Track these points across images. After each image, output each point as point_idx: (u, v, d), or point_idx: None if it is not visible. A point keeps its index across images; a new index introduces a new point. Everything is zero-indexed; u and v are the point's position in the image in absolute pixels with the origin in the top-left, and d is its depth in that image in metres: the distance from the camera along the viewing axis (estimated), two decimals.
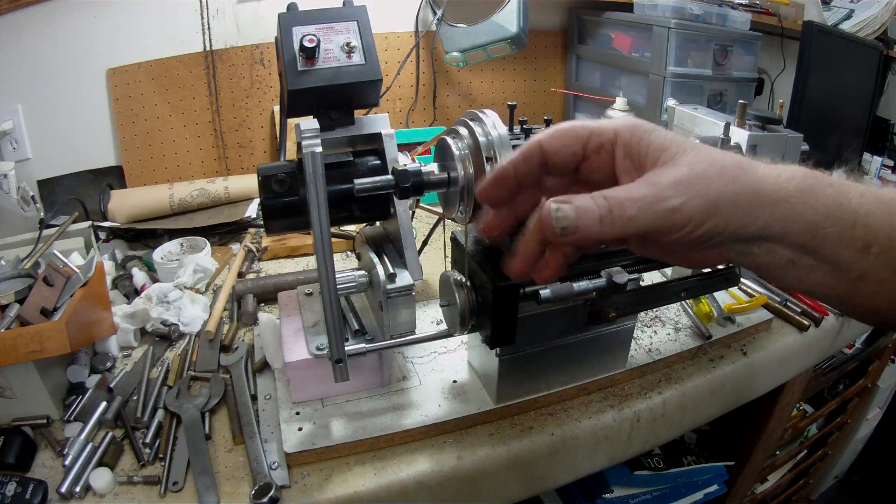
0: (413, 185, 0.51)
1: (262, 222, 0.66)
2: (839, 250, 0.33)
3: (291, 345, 0.64)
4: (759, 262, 0.35)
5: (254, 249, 1.04)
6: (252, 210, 1.11)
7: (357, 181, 0.50)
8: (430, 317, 0.78)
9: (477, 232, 0.39)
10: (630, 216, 0.32)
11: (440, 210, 0.78)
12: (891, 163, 1.56)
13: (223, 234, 1.11)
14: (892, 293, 0.34)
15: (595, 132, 0.36)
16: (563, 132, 0.36)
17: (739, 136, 0.81)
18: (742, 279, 0.69)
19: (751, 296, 0.87)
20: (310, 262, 1.02)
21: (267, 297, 0.88)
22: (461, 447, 0.61)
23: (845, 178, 0.35)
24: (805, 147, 0.84)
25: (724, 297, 0.84)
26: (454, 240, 0.62)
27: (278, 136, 1.27)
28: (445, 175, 0.53)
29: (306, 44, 0.57)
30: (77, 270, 0.72)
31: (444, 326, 0.62)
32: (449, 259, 0.64)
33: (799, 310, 0.88)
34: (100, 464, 0.58)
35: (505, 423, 0.65)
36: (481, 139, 0.50)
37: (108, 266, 0.94)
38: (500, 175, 0.37)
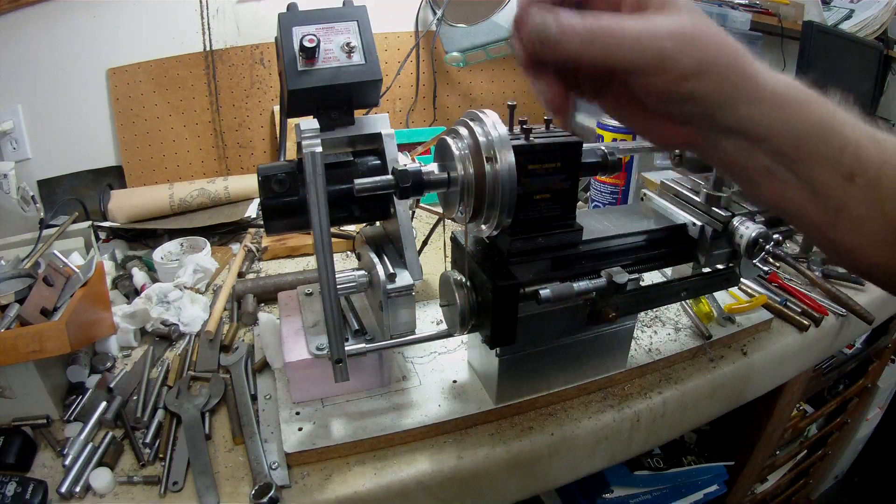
0: (413, 185, 0.51)
1: (262, 222, 0.66)
2: (822, 171, 0.32)
3: (291, 345, 0.64)
4: (732, 160, 0.34)
5: (254, 249, 1.04)
6: (252, 210, 1.11)
7: (357, 181, 0.50)
8: (430, 317, 0.78)
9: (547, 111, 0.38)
10: (616, 45, 0.30)
11: (440, 210, 0.78)
12: None
13: (223, 234, 1.11)
14: (873, 233, 0.32)
15: None
16: None
17: None
18: (742, 279, 0.69)
19: (751, 296, 0.87)
20: (310, 262, 1.02)
21: (267, 297, 0.88)
22: (461, 447, 0.61)
23: (844, 108, 0.33)
24: None
25: (724, 297, 0.84)
26: (454, 240, 0.62)
27: (278, 136, 1.27)
28: (445, 175, 0.53)
29: (306, 44, 0.57)
30: (77, 270, 0.72)
31: (444, 326, 0.62)
32: (449, 259, 0.64)
33: (799, 310, 0.88)
34: (100, 464, 0.58)
35: (505, 423, 0.65)
36: (481, 139, 0.50)
37: (108, 266, 0.94)
38: (522, 8, 0.34)
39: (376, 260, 0.62)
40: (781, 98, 0.31)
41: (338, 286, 0.54)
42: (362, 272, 0.65)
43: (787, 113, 0.31)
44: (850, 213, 0.32)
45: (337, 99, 0.61)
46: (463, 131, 0.53)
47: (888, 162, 0.32)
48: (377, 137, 0.64)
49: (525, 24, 0.31)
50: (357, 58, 0.60)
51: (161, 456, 0.61)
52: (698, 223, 0.63)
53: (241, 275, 0.96)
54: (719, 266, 0.67)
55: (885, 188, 0.32)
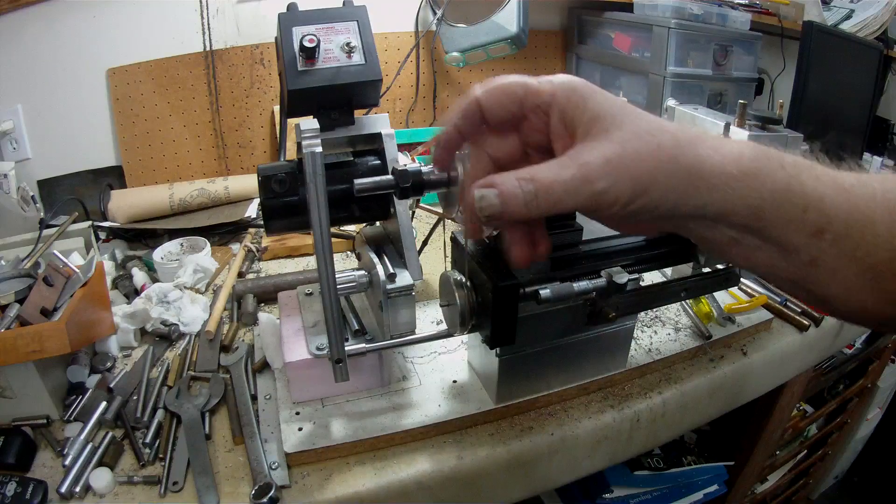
0: (413, 185, 0.51)
1: (262, 222, 0.66)
2: (787, 234, 0.32)
3: (291, 345, 0.64)
4: (699, 237, 0.35)
5: (254, 249, 1.04)
6: (252, 210, 1.11)
7: (357, 181, 0.50)
8: (430, 317, 0.78)
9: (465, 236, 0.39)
10: (556, 199, 0.31)
11: (440, 210, 0.78)
12: (891, 163, 1.56)
13: (223, 234, 1.11)
14: (846, 281, 0.32)
15: (532, 92, 0.34)
16: (499, 90, 0.35)
17: (739, 136, 0.81)
18: (742, 279, 0.69)
19: (751, 296, 0.87)
20: (310, 262, 1.02)
21: (267, 297, 0.88)
22: (461, 447, 0.61)
23: (809, 157, 0.33)
24: (805, 147, 0.84)
25: (724, 297, 0.84)
26: (454, 240, 0.62)
27: (278, 136, 1.27)
28: (445, 175, 0.53)
29: (306, 44, 0.57)
30: (77, 270, 0.72)
31: (444, 326, 0.62)
32: (449, 259, 0.64)
33: (799, 310, 0.88)
34: (100, 464, 0.58)
35: (505, 423, 0.65)
36: None
37: (108, 266, 0.94)
38: (445, 140, 0.37)
39: (376, 260, 0.62)
40: (733, 176, 0.31)
41: (338, 286, 0.54)
42: (362, 272, 0.65)
43: (741, 189, 0.31)
44: (823, 265, 0.32)
45: (337, 99, 0.61)
46: None
47: (856, 208, 0.31)
48: (377, 137, 0.64)
49: (468, 204, 0.32)
50: (357, 58, 0.60)
51: (161, 456, 0.61)
52: None
53: (241, 275, 0.96)
54: (719, 266, 0.67)
55: (856, 236, 0.31)
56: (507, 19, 1.23)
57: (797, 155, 0.33)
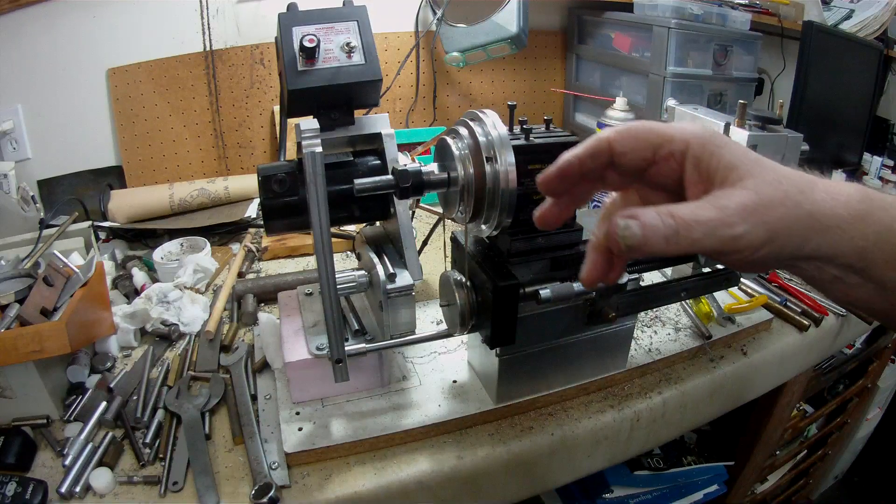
0: (413, 185, 0.51)
1: (262, 222, 0.66)
2: (886, 272, 0.34)
3: (291, 345, 0.64)
4: (805, 275, 0.37)
5: (254, 249, 1.04)
6: (252, 210, 1.11)
7: (357, 181, 0.50)
8: (430, 317, 0.78)
9: (534, 220, 0.40)
10: (695, 238, 0.32)
11: (440, 210, 0.78)
12: (891, 163, 1.56)
13: (223, 234, 1.11)
14: None
15: (667, 140, 0.36)
16: (635, 135, 0.36)
17: (739, 136, 0.81)
18: (742, 279, 0.69)
19: (751, 296, 0.87)
20: (310, 262, 1.02)
21: (267, 297, 0.88)
22: (461, 447, 0.61)
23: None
24: (805, 147, 0.84)
25: (724, 297, 0.84)
26: (454, 240, 0.62)
27: (278, 136, 1.27)
28: (445, 175, 0.53)
29: (306, 44, 0.57)
30: (77, 270, 0.72)
31: (444, 326, 0.62)
32: (449, 259, 0.64)
33: (799, 310, 0.88)
34: (100, 464, 0.58)
35: (505, 423, 0.65)
36: (481, 139, 0.50)
37: (108, 266, 0.94)
38: (564, 168, 0.37)
39: (376, 260, 0.62)
40: (845, 220, 0.34)
41: (338, 286, 0.54)
42: (362, 272, 0.65)
43: (850, 232, 0.34)
44: None
45: (337, 99, 0.61)
46: (463, 131, 0.53)
47: None
48: (377, 137, 0.64)
49: (612, 230, 0.34)
50: (357, 58, 0.60)
51: (161, 456, 0.61)
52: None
53: (241, 275, 0.96)
54: (719, 266, 0.67)
55: None
56: (507, 19, 1.23)
57: (891, 194, 0.36)
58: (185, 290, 0.86)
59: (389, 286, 0.59)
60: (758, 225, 0.32)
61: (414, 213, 0.88)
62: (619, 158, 0.36)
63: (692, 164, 0.35)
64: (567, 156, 0.37)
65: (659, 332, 0.79)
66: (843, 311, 0.90)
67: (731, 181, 0.34)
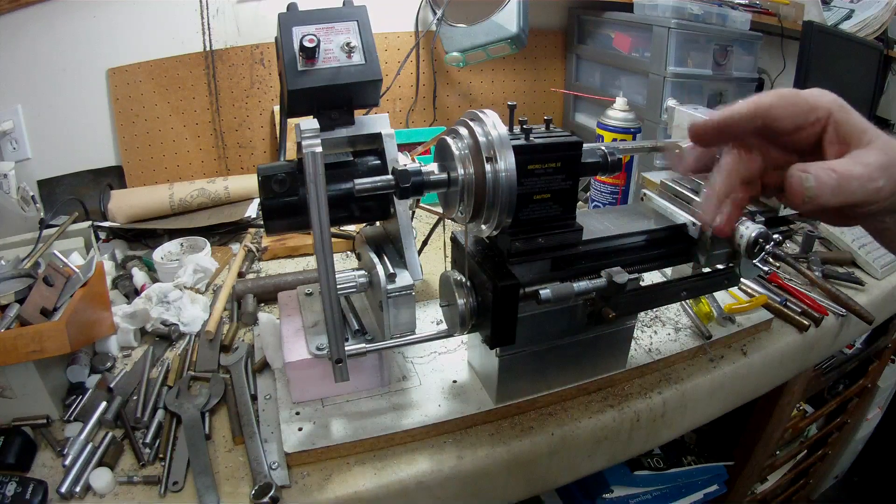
0: (413, 185, 0.51)
1: (262, 222, 0.66)
2: None
3: (291, 345, 0.64)
4: (884, 228, 0.43)
5: (254, 249, 1.04)
6: (252, 210, 1.11)
7: (357, 181, 0.50)
8: (430, 317, 0.78)
9: (680, 169, 0.46)
10: (852, 190, 0.37)
11: (440, 210, 0.78)
12: None
13: (223, 234, 1.11)
14: None
15: (814, 107, 0.40)
16: (790, 102, 0.40)
17: None
18: (742, 279, 0.69)
19: (751, 296, 0.87)
20: (310, 262, 1.02)
21: (267, 297, 0.88)
22: (461, 447, 0.61)
23: None
24: None
25: (724, 297, 0.84)
26: (454, 240, 0.62)
27: (278, 136, 1.27)
28: (445, 175, 0.53)
29: (306, 44, 0.57)
30: (77, 270, 0.72)
31: (444, 326, 0.62)
32: (449, 259, 0.64)
33: (799, 310, 0.88)
34: (100, 464, 0.58)
35: (505, 423, 0.65)
36: (481, 139, 0.50)
37: (108, 266, 0.94)
38: (724, 122, 0.41)
39: (376, 260, 0.62)
40: None
41: (338, 286, 0.54)
42: (362, 272, 0.65)
43: None
44: None
45: (337, 99, 0.61)
46: (463, 131, 0.53)
47: None
48: (377, 137, 0.64)
49: (795, 183, 0.38)
50: (357, 58, 0.60)
51: (161, 456, 0.61)
52: (698, 223, 0.63)
53: (241, 275, 0.96)
54: (719, 266, 0.67)
55: None
56: (507, 19, 1.23)
57: None
58: (185, 290, 0.86)
59: (389, 286, 0.59)
60: (891, 179, 0.38)
61: (414, 213, 0.88)
62: (774, 123, 0.41)
63: (833, 127, 0.40)
64: (728, 111, 0.41)
65: (659, 332, 0.79)
66: (843, 311, 0.90)
67: (864, 142, 0.39)
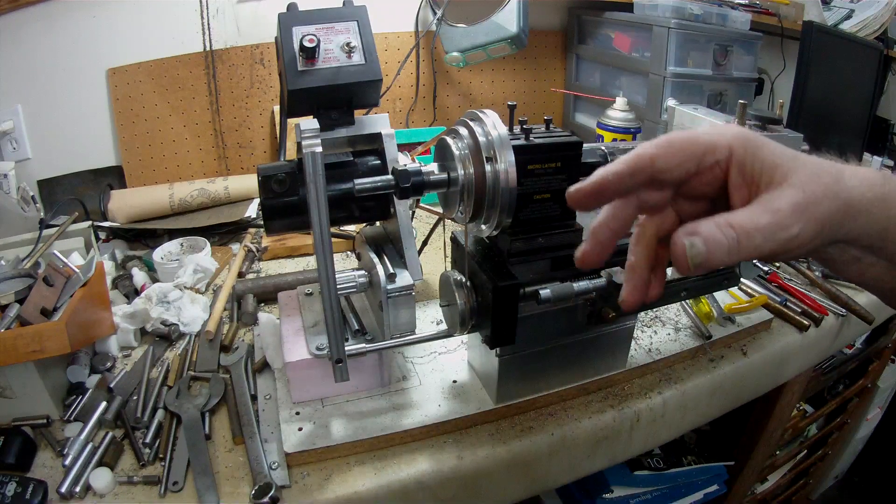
0: (413, 185, 0.51)
1: (262, 222, 0.66)
2: None
3: (291, 345, 0.64)
4: (828, 258, 0.38)
5: (254, 249, 1.04)
6: (252, 210, 1.11)
7: (357, 181, 0.50)
8: (430, 317, 0.78)
9: (576, 263, 0.37)
10: (755, 246, 0.32)
11: (440, 210, 0.78)
12: (891, 163, 1.56)
13: (223, 234, 1.11)
14: None
15: (710, 148, 0.35)
16: (678, 149, 0.35)
17: None
18: (742, 279, 0.69)
19: (751, 296, 0.87)
20: (310, 262, 1.02)
21: (267, 297, 0.88)
22: (461, 447, 0.61)
23: None
24: (805, 147, 0.84)
25: (724, 297, 0.84)
26: (454, 240, 0.62)
27: (278, 136, 1.27)
28: (445, 175, 0.53)
29: (306, 44, 0.57)
30: (77, 270, 0.72)
31: (444, 326, 0.62)
32: (449, 259, 0.64)
33: (799, 310, 0.88)
34: (100, 464, 0.58)
35: (505, 423, 0.65)
36: (481, 139, 0.50)
37: (108, 266, 0.94)
38: (600, 185, 0.35)
39: (376, 260, 0.62)
40: (871, 203, 0.35)
41: (338, 286, 0.54)
42: (362, 272, 0.65)
43: (875, 215, 0.35)
44: None
45: (337, 99, 0.61)
46: (463, 131, 0.53)
47: None
48: (377, 137, 0.64)
49: (679, 251, 0.33)
50: (357, 58, 0.60)
51: (161, 456, 0.61)
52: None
53: (241, 275, 0.96)
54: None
55: None
56: (507, 19, 1.23)
57: None
58: (185, 290, 0.86)
59: (389, 286, 0.59)
60: (809, 222, 0.33)
61: (414, 213, 0.88)
62: (662, 175, 0.35)
63: (737, 169, 0.35)
64: (604, 171, 0.35)
65: (659, 332, 0.79)
66: (843, 311, 0.90)
67: (776, 182, 0.34)
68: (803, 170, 0.34)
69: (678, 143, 0.35)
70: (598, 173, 0.35)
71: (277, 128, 1.29)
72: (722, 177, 0.35)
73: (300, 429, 0.61)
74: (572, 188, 0.36)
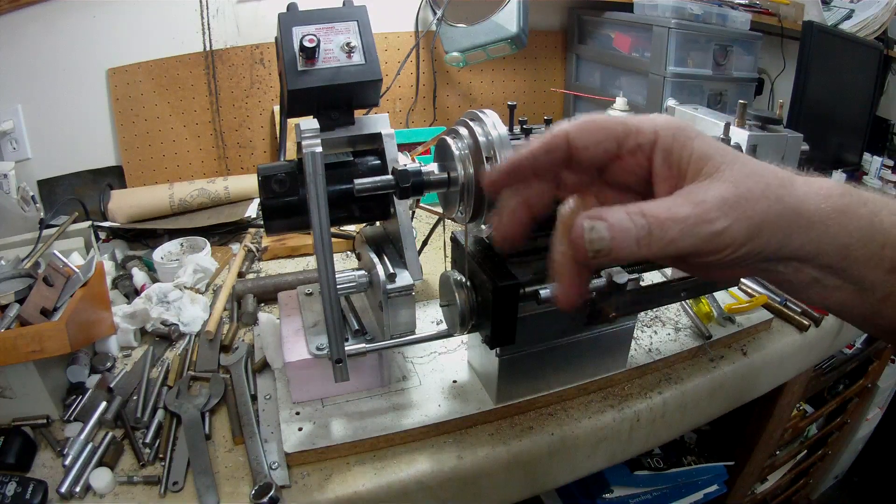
0: (413, 185, 0.51)
1: (262, 222, 0.66)
2: (867, 271, 0.32)
3: (291, 345, 0.64)
4: (782, 279, 0.34)
5: (254, 249, 1.04)
6: (252, 210, 1.11)
7: (357, 181, 0.50)
8: (430, 317, 0.78)
9: (493, 241, 0.34)
10: (671, 238, 0.29)
11: (440, 210, 0.78)
12: (891, 163, 1.56)
13: (223, 234, 1.11)
14: None
15: (633, 131, 0.32)
16: (596, 126, 0.32)
17: (739, 136, 0.81)
18: (742, 279, 0.69)
19: (751, 296, 0.87)
20: (310, 262, 1.02)
21: (267, 297, 0.88)
22: (461, 447, 0.61)
23: (879, 192, 0.34)
24: (805, 147, 0.84)
25: (724, 297, 0.84)
26: (454, 240, 0.62)
27: (278, 136, 1.27)
28: (445, 175, 0.53)
29: (306, 44, 0.57)
30: (77, 270, 0.72)
31: (444, 326, 0.62)
32: (449, 259, 0.64)
33: (799, 310, 0.88)
34: (100, 464, 0.58)
35: (505, 423, 0.65)
36: (481, 139, 0.50)
37: (108, 266, 0.94)
38: (514, 165, 0.33)
39: (376, 260, 0.62)
40: (828, 216, 0.31)
41: (338, 286, 0.54)
42: (362, 272, 0.65)
43: (833, 229, 0.31)
44: (894, 299, 0.32)
45: (337, 99, 0.61)
46: (463, 131, 0.53)
47: None
48: (377, 137, 0.64)
49: (576, 235, 0.30)
50: (357, 58, 0.60)
51: (161, 456, 0.61)
52: None
53: (241, 275, 0.96)
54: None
55: None
56: (507, 19, 1.23)
57: (871, 191, 0.33)
58: (185, 290, 0.86)
59: (389, 286, 0.59)
60: (740, 219, 0.29)
61: (414, 213, 0.88)
62: (579, 153, 0.32)
63: (661, 156, 0.32)
64: (518, 151, 0.33)
65: (659, 332, 0.79)
66: None
67: (705, 173, 0.31)
68: (741, 167, 0.31)
69: (598, 122, 0.33)
70: (512, 154, 0.33)
71: (277, 128, 1.29)
72: (647, 165, 0.33)
73: (300, 429, 0.61)
74: (486, 173, 0.34)
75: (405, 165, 0.52)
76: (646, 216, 0.29)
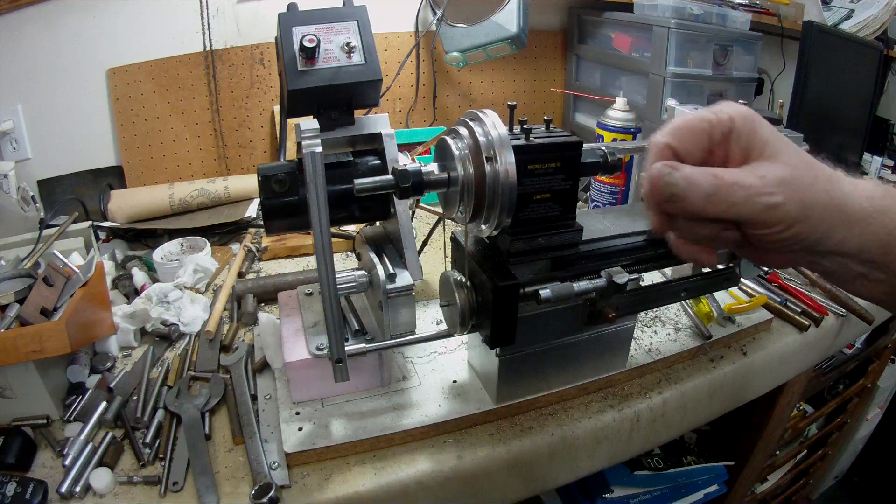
0: (413, 185, 0.51)
1: (262, 222, 0.66)
2: None
3: (291, 345, 0.64)
4: (828, 271, 0.37)
5: (254, 249, 1.04)
6: (252, 210, 1.11)
7: (357, 181, 0.50)
8: (430, 317, 0.78)
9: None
10: (734, 201, 0.32)
11: (440, 210, 0.78)
12: (891, 163, 1.57)
13: (223, 234, 1.11)
14: None
15: (715, 123, 0.36)
16: (689, 132, 0.36)
17: None
18: (742, 279, 0.69)
19: (751, 296, 0.87)
20: (310, 262, 1.02)
21: (267, 297, 0.88)
22: (461, 447, 0.61)
23: None
24: (805, 147, 0.84)
25: (724, 297, 0.84)
26: (454, 240, 0.62)
27: (278, 136, 1.27)
28: (445, 175, 0.53)
29: (306, 44, 0.57)
30: (77, 270, 0.72)
31: (444, 326, 0.62)
32: (449, 259, 0.64)
33: (799, 310, 0.88)
34: (100, 464, 0.58)
35: (505, 423, 0.65)
36: (481, 139, 0.50)
37: (108, 266, 0.94)
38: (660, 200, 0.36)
39: (376, 260, 0.62)
40: (869, 214, 0.34)
41: (338, 286, 0.54)
42: (362, 272, 0.65)
43: (874, 227, 0.34)
44: None
45: (337, 99, 0.61)
46: (463, 131, 0.53)
47: None
48: (377, 137, 0.64)
49: (654, 177, 0.34)
50: (357, 58, 0.60)
51: (161, 456, 0.61)
52: None
53: (241, 275, 0.96)
54: (719, 266, 0.67)
55: None
56: (507, 19, 1.23)
57: None
58: (185, 290, 0.86)
59: (389, 286, 0.59)
60: (793, 199, 0.33)
61: (414, 213, 0.88)
62: (683, 157, 0.36)
63: (735, 139, 0.36)
64: (643, 185, 0.37)
65: (659, 332, 0.79)
66: (843, 311, 0.90)
67: (766, 155, 0.34)
68: (795, 154, 0.35)
69: (690, 127, 0.36)
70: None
71: (277, 128, 1.29)
72: (728, 149, 0.36)
73: (300, 429, 0.61)
74: (652, 227, 0.38)
75: (405, 165, 0.52)
76: (717, 177, 0.33)
